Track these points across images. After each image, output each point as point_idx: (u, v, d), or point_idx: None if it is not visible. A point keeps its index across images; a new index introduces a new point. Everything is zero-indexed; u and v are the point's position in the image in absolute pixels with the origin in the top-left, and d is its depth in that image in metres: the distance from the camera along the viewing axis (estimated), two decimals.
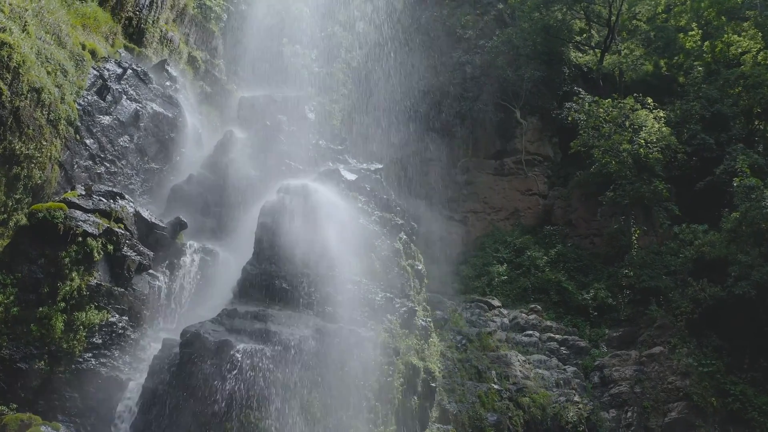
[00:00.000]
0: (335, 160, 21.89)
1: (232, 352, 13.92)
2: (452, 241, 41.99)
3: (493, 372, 28.87)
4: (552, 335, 33.59)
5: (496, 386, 27.83)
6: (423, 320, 19.65)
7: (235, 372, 13.85)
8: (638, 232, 35.95)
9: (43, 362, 14.61)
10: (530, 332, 33.64)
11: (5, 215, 16.42)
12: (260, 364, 13.94)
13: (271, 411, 13.86)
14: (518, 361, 30.24)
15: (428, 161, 44.12)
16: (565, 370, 31.16)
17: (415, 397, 17.97)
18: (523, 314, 35.14)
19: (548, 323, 34.50)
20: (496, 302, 36.35)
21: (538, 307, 35.71)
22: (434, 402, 19.10)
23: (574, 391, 29.66)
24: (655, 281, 33.30)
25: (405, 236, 21.15)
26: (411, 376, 17.78)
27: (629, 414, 28.89)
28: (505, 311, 35.79)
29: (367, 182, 20.61)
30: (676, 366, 29.66)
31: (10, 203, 16.50)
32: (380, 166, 22.58)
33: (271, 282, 15.97)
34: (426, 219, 41.86)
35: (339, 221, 17.45)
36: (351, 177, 19.66)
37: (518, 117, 43.19)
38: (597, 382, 30.89)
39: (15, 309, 14.69)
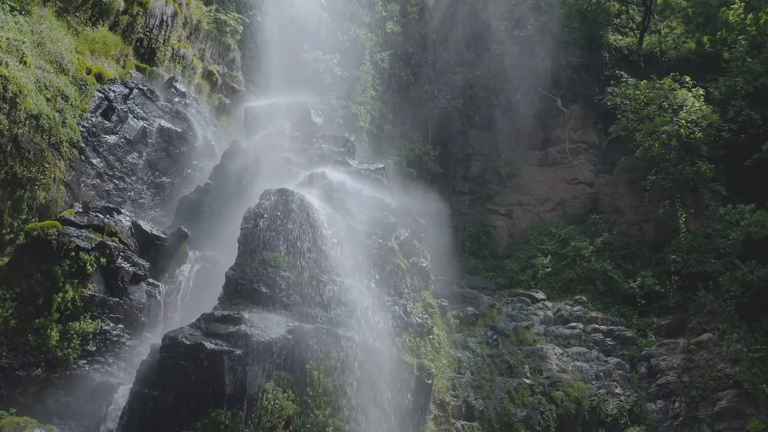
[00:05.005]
0: (336, 162, 22.23)
1: (202, 355, 14.50)
2: (497, 235, 41.70)
3: (526, 366, 28.49)
4: (597, 326, 32.88)
5: (528, 381, 27.49)
6: (419, 317, 19.67)
7: (206, 373, 14.44)
8: (685, 215, 34.60)
9: (39, 369, 15.62)
10: (573, 324, 33.02)
11: (12, 235, 17.72)
12: (230, 365, 14.47)
13: (242, 410, 14.35)
14: (555, 354, 29.72)
15: (470, 156, 43.94)
16: (606, 361, 30.42)
17: (409, 395, 18.07)
18: (568, 306, 34.52)
19: (593, 314, 33.75)
20: (540, 295, 35.82)
21: (584, 298, 35.06)
22: (430, 398, 19.07)
23: (615, 383, 28.99)
24: (703, 265, 32.17)
25: (407, 234, 21.22)
26: (402, 373, 17.90)
27: (677, 404, 28.15)
28: (549, 304, 35.23)
29: (363, 182, 20.87)
30: (725, 353, 28.70)
31: (16, 224, 17.81)
32: (381, 166, 22.68)
33: (251, 285, 16.49)
34: (469, 215, 41.69)
35: (321, 223, 17.76)
36: (338, 179, 19.94)
37: (559, 105, 42.40)
38: (644, 373, 30.22)
39: (13, 321, 15.78)
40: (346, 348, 16.08)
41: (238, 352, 14.67)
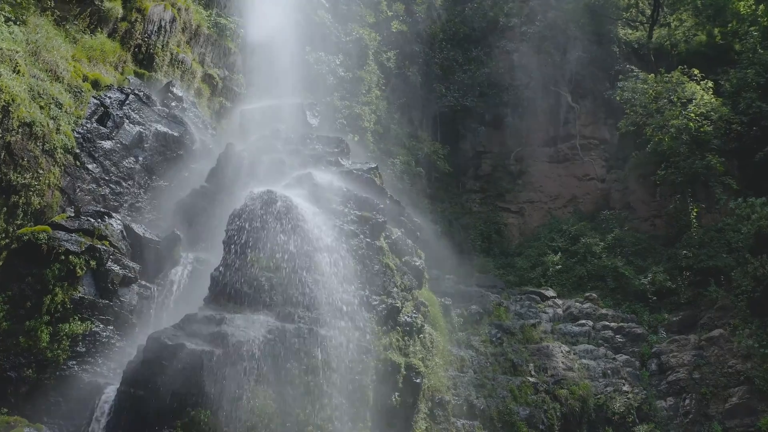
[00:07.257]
0: (328, 162, 22.37)
1: (183, 355, 14.74)
2: (508, 233, 41.54)
3: (531, 365, 28.37)
4: (607, 323, 32.62)
5: (531, 379, 27.39)
6: (408, 317, 19.70)
7: (186, 372, 14.67)
8: (696, 210, 34.16)
9: (30, 370, 16.03)
10: (583, 321, 32.77)
11: (7, 240, 18.13)
12: (209, 365, 14.69)
13: (222, 409, 14.55)
14: (561, 352, 29.52)
15: (480, 154, 43.83)
16: (614, 359, 30.17)
17: (396, 394, 18.14)
18: (578, 303, 34.26)
19: (604, 311, 33.48)
20: (550, 293, 35.63)
21: (594, 295, 34.77)
22: (419, 397, 19.08)
23: (623, 381, 28.74)
24: (715, 260, 31.77)
25: (399, 233, 21.28)
26: (389, 373, 17.98)
27: (687, 401, 27.94)
28: (559, 301, 35.00)
29: (354, 182, 20.98)
30: (736, 349, 28.42)
31: (11, 229, 18.23)
32: (374, 166, 22.71)
33: (234, 287, 16.70)
34: (480, 213, 41.59)
35: (306, 223, 17.90)
36: (325, 179, 20.07)
37: (570, 101, 42.10)
38: (654, 370, 30.01)
39: (5, 323, 16.23)
40: (328, 347, 16.22)
41: (219, 352, 14.89)
